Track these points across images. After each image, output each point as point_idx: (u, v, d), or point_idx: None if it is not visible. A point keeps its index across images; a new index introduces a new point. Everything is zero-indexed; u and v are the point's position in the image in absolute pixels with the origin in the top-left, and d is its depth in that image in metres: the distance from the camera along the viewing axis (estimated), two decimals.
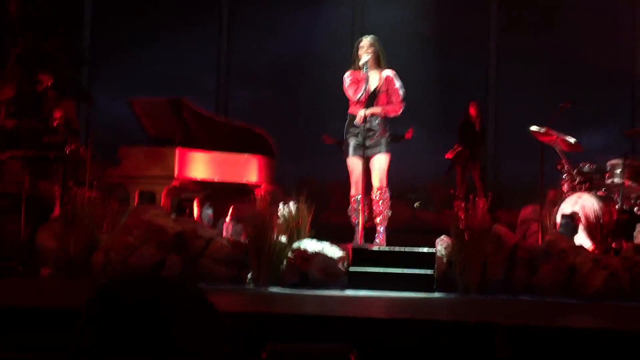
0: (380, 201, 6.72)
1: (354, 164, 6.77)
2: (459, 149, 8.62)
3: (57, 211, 7.11)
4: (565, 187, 7.27)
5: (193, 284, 1.19)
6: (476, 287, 6.03)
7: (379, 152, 6.71)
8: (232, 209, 7.30)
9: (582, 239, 6.50)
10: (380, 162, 6.72)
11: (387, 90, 6.77)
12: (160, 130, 7.70)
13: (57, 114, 7.56)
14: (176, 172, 7.18)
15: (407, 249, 6.53)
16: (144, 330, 1.05)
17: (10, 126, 7.66)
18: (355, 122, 6.72)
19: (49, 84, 8.01)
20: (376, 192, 6.73)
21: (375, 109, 6.70)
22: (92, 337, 1.07)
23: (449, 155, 8.72)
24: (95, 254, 6.39)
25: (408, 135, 7.24)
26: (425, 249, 6.43)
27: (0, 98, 8.96)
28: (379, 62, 6.77)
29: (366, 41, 6.78)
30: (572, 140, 7.32)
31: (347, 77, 6.78)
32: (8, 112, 8.75)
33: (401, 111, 6.80)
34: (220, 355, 1.11)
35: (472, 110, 8.52)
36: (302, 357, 1.25)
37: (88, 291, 1.13)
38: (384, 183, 6.75)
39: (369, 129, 6.68)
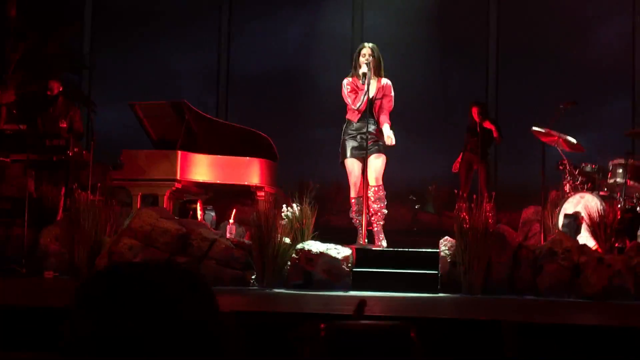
0: (376, 199, 6.72)
1: (353, 164, 6.78)
2: (459, 158, 8.51)
3: (60, 214, 7.11)
4: (567, 188, 7.30)
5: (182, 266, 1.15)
6: (480, 287, 6.04)
7: (376, 151, 6.73)
8: (235, 211, 7.31)
9: (585, 238, 6.51)
10: (376, 162, 6.74)
11: (382, 98, 6.80)
12: (163, 134, 7.71)
13: (64, 122, 7.57)
14: (178, 175, 7.18)
15: (411, 249, 6.53)
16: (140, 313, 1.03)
17: (12, 130, 7.66)
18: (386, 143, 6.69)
19: (60, 90, 8.02)
20: (372, 190, 6.72)
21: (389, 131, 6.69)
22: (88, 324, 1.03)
23: (455, 169, 8.55)
24: (98, 257, 6.39)
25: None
26: (429, 250, 6.43)
27: (1, 102, 8.97)
28: (378, 71, 6.81)
29: (367, 50, 6.80)
30: (573, 140, 7.35)
31: (347, 84, 6.81)
32: (10, 116, 8.76)
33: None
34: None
35: (473, 113, 8.49)
36: (361, 334, 1.25)
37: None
38: (380, 182, 6.75)
39: (368, 132, 6.70)
